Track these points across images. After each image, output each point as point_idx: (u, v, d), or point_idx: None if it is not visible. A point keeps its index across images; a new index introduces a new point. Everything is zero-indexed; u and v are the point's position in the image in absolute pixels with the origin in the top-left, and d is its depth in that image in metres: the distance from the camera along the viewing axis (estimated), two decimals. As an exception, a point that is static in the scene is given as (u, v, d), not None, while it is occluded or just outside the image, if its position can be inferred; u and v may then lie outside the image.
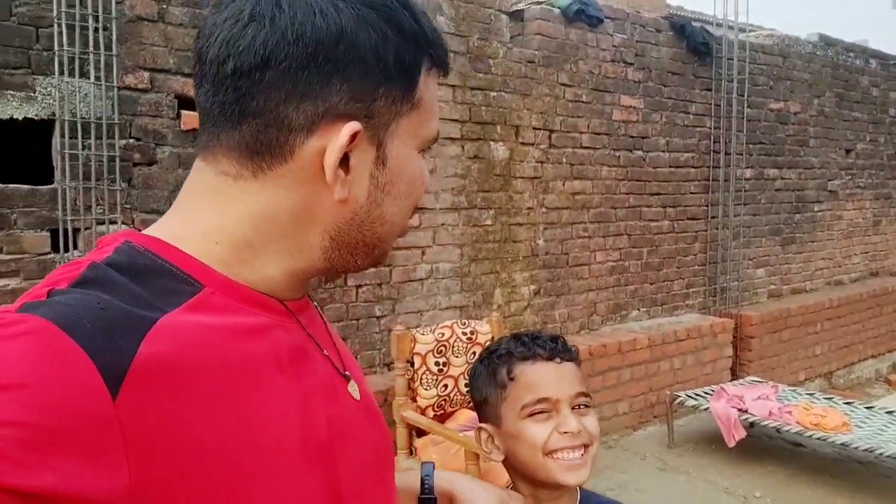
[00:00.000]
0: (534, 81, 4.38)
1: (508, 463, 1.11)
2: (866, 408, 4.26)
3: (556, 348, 1.11)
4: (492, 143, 4.21)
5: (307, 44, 0.57)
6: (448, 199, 4.03)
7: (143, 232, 0.62)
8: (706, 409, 4.22)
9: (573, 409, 1.07)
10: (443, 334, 3.24)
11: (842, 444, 3.74)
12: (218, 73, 0.59)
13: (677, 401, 4.34)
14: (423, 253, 3.95)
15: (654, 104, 5.10)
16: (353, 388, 0.71)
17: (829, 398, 4.47)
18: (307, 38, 0.57)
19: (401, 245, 3.83)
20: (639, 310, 5.13)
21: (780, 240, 6.27)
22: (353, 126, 0.60)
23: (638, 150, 5.02)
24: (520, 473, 1.10)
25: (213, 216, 0.62)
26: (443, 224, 4.02)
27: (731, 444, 4.01)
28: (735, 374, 5.26)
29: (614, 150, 4.85)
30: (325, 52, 0.58)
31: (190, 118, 3.11)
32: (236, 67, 0.58)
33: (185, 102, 3.10)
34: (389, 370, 3.64)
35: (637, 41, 4.93)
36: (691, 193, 5.46)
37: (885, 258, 7.51)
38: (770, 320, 5.55)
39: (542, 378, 1.08)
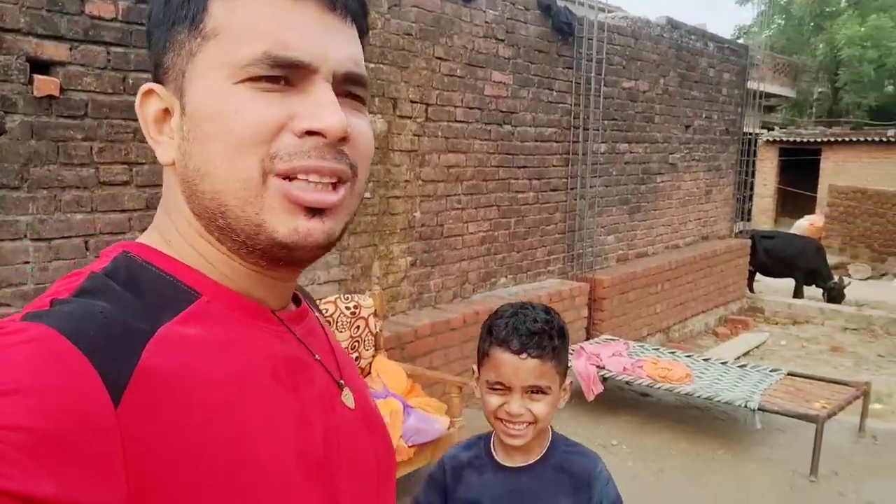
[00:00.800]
0: (411, 54, 4.43)
1: None
2: (704, 360, 4.85)
3: (527, 345, 1.29)
4: (370, 115, 4.23)
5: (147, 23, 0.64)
6: (328, 171, 4.02)
7: (139, 238, 0.64)
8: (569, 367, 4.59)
9: (526, 394, 1.29)
10: (327, 310, 3.29)
11: (686, 393, 4.26)
12: None
13: (544, 361, 4.68)
14: (304, 227, 3.93)
15: (522, 81, 5.33)
16: (346, 396, 0.70)
17: (672, 352, 5.03)
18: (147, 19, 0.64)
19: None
20: (506, 277, 5.43)
21: (627, 208, 6.84)
22: (144, 87, 0.61)
23: (507, 124, 5.25)
24: None
25: (176, 214, 0.63)
26: (323, 197, 4.01)
27: (591, 398, 4.42)
28: (589, 334, 5.75)
29: (486, 124, 5.04)
30: (148, 25, 0.63)
31: (44, 83, 2.83)
32: None
33: (38, 66, 2.80)
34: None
35: (507, 18, 5.11)
36: (554, 166, 5.80)
37: (714, 224, 8.41)
38: (619, 283, 6.10)
39: (504, 367, 1.30)
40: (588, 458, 1.38)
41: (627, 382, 4.59)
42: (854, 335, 7.78)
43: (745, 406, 3.95)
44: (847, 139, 17.52)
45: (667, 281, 6.81)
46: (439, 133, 4.71)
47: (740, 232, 9.16)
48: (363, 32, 0.65)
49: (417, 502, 1.43)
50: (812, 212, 16.55)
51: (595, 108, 6.00)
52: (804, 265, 9.68)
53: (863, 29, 21.53)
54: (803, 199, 17.87)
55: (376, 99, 4.25)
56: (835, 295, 9.37)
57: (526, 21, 5.30)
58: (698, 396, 4.22)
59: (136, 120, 2.94)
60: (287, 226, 0.58)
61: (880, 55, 21.39)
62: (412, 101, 4.49)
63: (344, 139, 0.58)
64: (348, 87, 0.61)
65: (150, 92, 0.61)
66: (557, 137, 5.80)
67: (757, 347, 7.13)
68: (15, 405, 0.44)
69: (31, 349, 0.47)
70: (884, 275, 12.89)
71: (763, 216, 18.07)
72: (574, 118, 5.90)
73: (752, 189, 9.69)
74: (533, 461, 1.36)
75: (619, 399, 4.83)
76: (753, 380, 4.42)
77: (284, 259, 0.61)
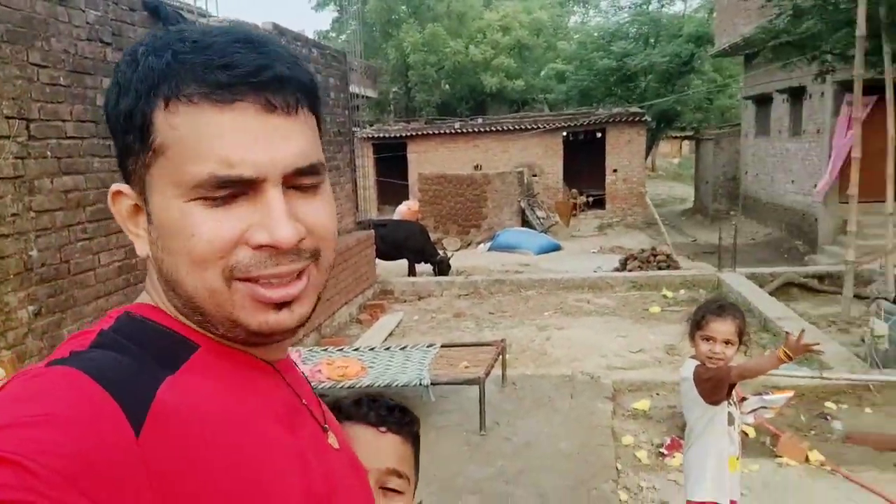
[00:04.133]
0: (1, 62, 3.64)
1: None
2: (370, 349, 5.13)
3: (386, 418, 1.10)
4: (-47, 138, 3.37)
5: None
6: None
7: (137, 300, 0.68)
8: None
9: (380, 487, 1.06)
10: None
11: (367, 385, 4.45)
12: None
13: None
14: None
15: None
16: (332, 439, 0.75)
17: (340, 349, 5.20)
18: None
19: None
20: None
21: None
22: (113, 188, 0.66)
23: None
24: None
25: (162, 296, 0.67)
26: None
27: (279, 411, 4.30)
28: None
29: (104, 138, 4.44)
30: (107, 120, 0.66)
31: None
32: None
33: None
34: None
35: (112, 20, 4.56)
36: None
37: (342, 219, 8.87)
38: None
39: (362, 444, 1.03)
40: None
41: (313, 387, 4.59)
42: (467, 300, 9.10)
43: (421, 384, 4.32)
44: (424, 132, 20.17)
45: (313, 280, 6.97)
46: (48, 153, 3.99)
47: (359, 223, 9.86)
48: (313, 105, 0.66)
49: None
50: (406, 198, 18.66)
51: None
52: (414, 246, 10.93)
53: (422, 36, 24.92)
54: (397, 187, 20.02)
55: (-42, 117, 3.40)
56: (443, 268, 10.78)
57: (134, 23, 4.81)
58: (378, 386, 4.45)
59: None
60: (257, 320, 0.63)
61: (439, 59, 25.07)
62: (7, 118, 3.70)
63: (297, 244, 0.62)
64: (301, 180, 0.63)
65: (118, 193, 0.66)
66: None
67: (397, 326, 7.80)
68: (50, 433, 0.48)
69: (61, 385, 0.53)
70: (469, 244, 15.31)
71: (368, 205, 19.68)
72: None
73: (355, 183, 10.51)
74: None
75: (300, 405, 4.81)
76: (417, 358, 4.86)
77: (262, 343, 0.67)
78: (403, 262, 10.98)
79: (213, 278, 0.61)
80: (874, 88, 8.23)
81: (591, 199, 19.41)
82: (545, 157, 19.01)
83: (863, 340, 5.83)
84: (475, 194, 16.10)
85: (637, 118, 18.74)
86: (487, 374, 4.54)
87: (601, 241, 15.10)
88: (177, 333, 0.64)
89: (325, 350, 5.24)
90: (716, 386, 2.53)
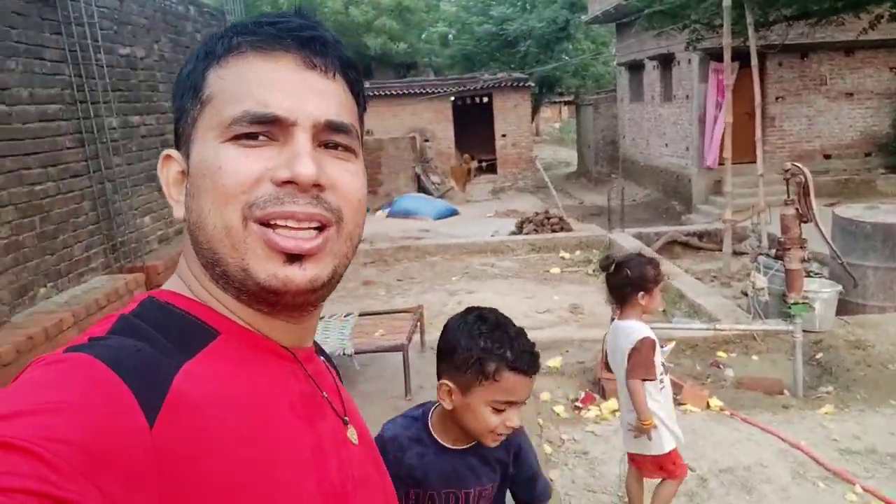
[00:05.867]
0: None
1: (450, 413, 1.42)
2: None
3: (533, 364, 1.39)
4: None
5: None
6: None
7: (164, 285, 0.69)
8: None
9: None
10: None
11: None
12: None
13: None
14: None
15: (6, 49, 4.36)
16: (351, 433, 0.74)
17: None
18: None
19: None
20: (46, 286, 4.53)
21: (155, 185, 6.37)
22: (164, 153, 0.69)
23: (1, 104, 4.26)
24: (456, 422, 1.43)
25: (193, 263, 0.68)
26: None
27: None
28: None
29: None
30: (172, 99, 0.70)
31: None
32: None
33: None
34: None
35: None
36: (68, 149, 4.98)
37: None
38: (173, 265, 5.71)
39: (517, 388, 1.37)
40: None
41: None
42: (374, 267, 9.06)
43: (345, 354, 4.29)
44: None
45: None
46: None
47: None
48: (355, 85, 0.69)
49: None
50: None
51: (100, 80, 5.34)
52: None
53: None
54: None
55: None
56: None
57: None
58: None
59: None
60: (266, 271, 0.62)
61: (320, 19, 24.22)
62: None
63: (318, 186, 0.62)
64: (332, 136, 0.65)
65: (168, 157, 0.68)
66: (64, 115, 4.97)
67: (305, 297, 7.64)
68: (63, 421, 0.48)
69: (76, 373, 0.52)
70: (367, 210, 15.15)
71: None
72: (78, 91, 5.13)
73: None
74: (474, 443, 1.46)
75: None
76: (337, 328, 4.80)
77: (273, 304, 0.65)
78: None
79: (231, 215, 0.61)
80: (738, 56, 8.81)
81: (483, 164, 19.71)
82: (436, 123, 19.04)
83: (744, 294, 6.35)
84: (369, 160, 15.76)
85: (521, 83, 19.10)
86: (409, 340, 4.57)
87: (495, 205, 15.42)
88: (198, 319, 0.64)
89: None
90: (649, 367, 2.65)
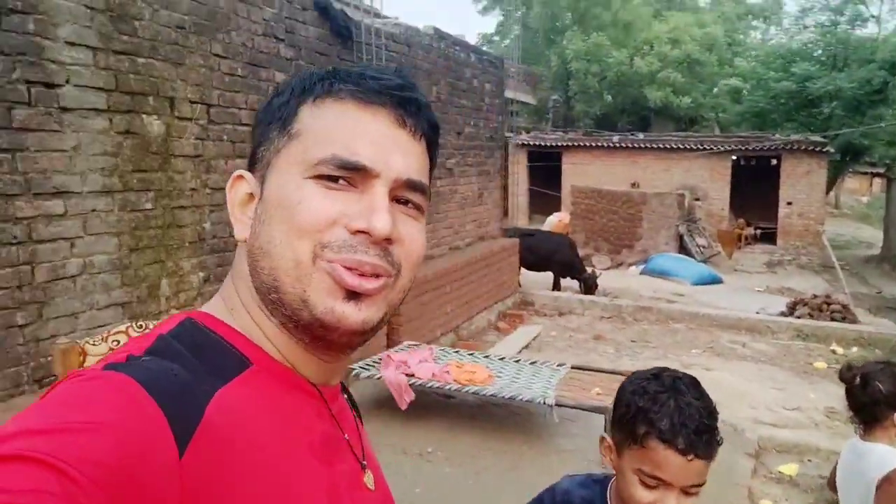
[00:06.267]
0: (186, 50, 3.97)
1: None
2: (500, 359, 5.04)
3: (696, 445, 1.16)
4: (144, 116, 3.71)
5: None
6: (98, 180, 3.44)
7: (204, 306, 0.70)
8: (379, 378, 4.49)
9: (682, 492, 1.19)
10: (118, 341, 2.79)
11: (491, 394, 4.37)
12: None
13: (353, 373, 4.52)
14: (73, 245, 3.33)
15: (307, 83, 5.09)
16: (368, 478, 0.74)
17: (471, 353, 5.16)
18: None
19: (44, 238, 3.17)
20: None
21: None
22: (236, 173, 0.71)
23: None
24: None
25: (241, 284, 0.69)
26: (94, 210, 3.43)
27: (404, 407, 4.35)
28: (390, 340, 5.69)
29: (273, 128, 4.72)
30: (255, 121, 0.74)
31: None
32: None
33: None
34: (41, 389, 3.01)
35: (286, 17, 4.84)
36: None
37: (487, 225, 8.89)
38: (414, 286, 6.10)
39: (667, 466, 1.18)
40: None
41: (435, 388, 4.60)
42: (609, 323, 8.73)
43: (544, 403, 4.17)
44: (581, 144, 19.76)
45: (454, 281, 7.02)
46: (224, 137, 4.30)
47: (506, 230, 9.80)
48: (433, 147, 0.73)
49: None
50: (558, 209, 18.38)
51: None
52: (561, 259, 10.65)
53: (585, 45, 24.47)
54: (550, 198, 19.79)
55: (150, 98, 3.74)
56: (590, 286, 10.43)
57: (305, 21, 5.08)
58: (502, 397, 4.36)
59: None
60: (325, 304, 0.64)
61: (601, 69, 24.49)
62: (191, 102, 4.03)
63: (389, 240, 0.65)
64: (407, 194, 0.68)
65: (240, 177, 0.71)
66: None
67: (533, 339, 7.65)
68: (94, 442, 0.48)
69: (112, 393, 0.53)
70: (620, 265, 14.75)
71: (519, 214, 19.66)
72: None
73: (506, 190, 10.45)
74: None
75: (428, 405, 4.84)
76: (545, 376, 4.70)
77: (323, 339, 0.66)
78: (549, 275, 10.76)
79: (303, 250, 0.63)
80: None
81: (759, 231, 17.99)
82: (710, 181, 17.93)
83: None
84: (630, 213, 15.49)
85: (818, 148, 17.13)
86: (618, 403, 4.29)
87: (768, 279, 13.81)
88: (233, 347, 0.66)
89: (458, 352, 5.22)
90: None
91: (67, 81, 3.24)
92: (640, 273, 13.33)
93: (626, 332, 8.30)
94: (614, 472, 1.33)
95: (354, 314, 0.64)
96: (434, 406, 4.85)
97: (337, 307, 0.63)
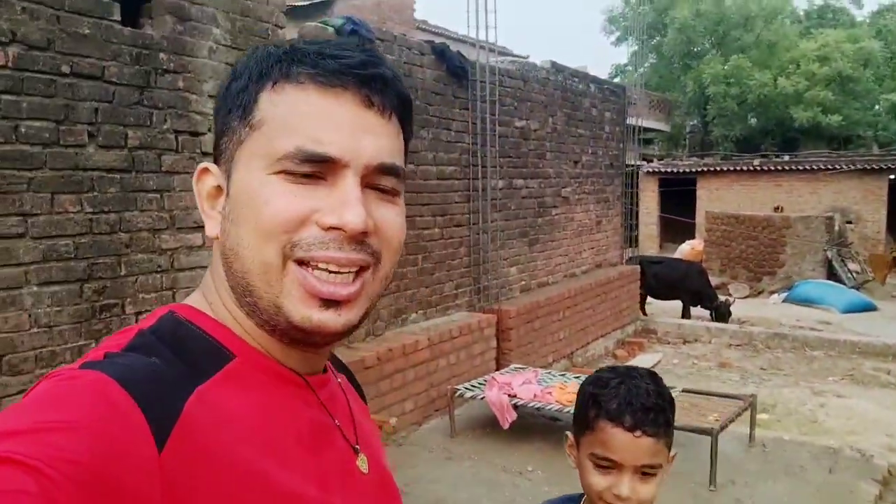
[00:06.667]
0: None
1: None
2: (606, 382, 5.07)
3: (642, 421, 1.16)
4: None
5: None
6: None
7: (185, 300, 0.69)
8: (482, 398, 4.70)
9: (636, 473, 1.17)
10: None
11: (592, 415, 4.43)
12: None
13: (457, 393, 4.77)
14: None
15: (422, 122, 5.50)
16: (361, 461, 0.72)
17: (577, 377, 5.24)
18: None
19: (184, 266, 3.70)
20: (416, 312, 5.51)
21: (527, 240, 7.12)
22: (201, 166, 0.68)
23: (410, 163, 5.38)
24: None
25: (219, 281, 0.67)
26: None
27: (506, 426, 4.52)
28: (499, 363, 5.90)
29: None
30: (215, 108, 0.69)
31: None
32: None
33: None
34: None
35: (404, 62, 5.28)
36: (456, 203, 5.98)
37: (606, 252, 8.88)
38: (524, 312, 6.31)
39: (614, 444, 1.17)
40: None
41: (538, 409, 4.74)
42: (738, 351, 8.37)
43: (648, 423, 4.17)
44: (718, 168, 19.01)
45: (568, 308, 7.10)
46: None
47: (630, 258, 9.69)
48: (406, 122, 0.69)
49: None
50: (692, 237, 17.73)
51: (491, 147, 6.27)
52: (689, 287, 10.33)
53: (725, 68, 23.59)
54: (683, 225, 19.14)
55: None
56: (721, 313, 10.01)
57: (422, 65, 5.50)
58: (604, 417, 4.40)
59: (29, 169, 2.87)
60: (301, 314, 0.62)
61: (742, 91, 23.47)
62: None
63: (364, 233, 0.62)
64: (380, 180, 0.64)
65: (205, 170, 0.68)
66: (458, 175, 5.99)
67: (653, 367, 7.51)
68: (70, 440, 0.48)
69: (88, 391, 0.52)
70: (760, 293, 13.95)
71: (649, 242, 19.17)
72: (472, 156, 6.13)
73: (636, 218, 10.33)
74: None
75: (531, 425, 4.97)
76: (653, 397, 4.67)
77: (302, 341, 0.65)
78: (677, 304, 10.47)
79: (271, 253, 0.61)
80: None
81: (919, 255, 16.34)
82: (864, 203, 16.58)
83: None
84: (771, 238, 14.64)
85: None
86: (724, 427, 4.21)
87: (929, 306, 12.58)
88: (215, 340, 0.64)
89: (563, 375, 5.33)
90: None
91: (209, 130, 3.81)
92: (783, 301, 12.55)
93: (755, 360, 7.93)
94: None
95: (334, 320, 0.63)
96: (538, 427, 4.98)
97: (314, 316, 0.62)
